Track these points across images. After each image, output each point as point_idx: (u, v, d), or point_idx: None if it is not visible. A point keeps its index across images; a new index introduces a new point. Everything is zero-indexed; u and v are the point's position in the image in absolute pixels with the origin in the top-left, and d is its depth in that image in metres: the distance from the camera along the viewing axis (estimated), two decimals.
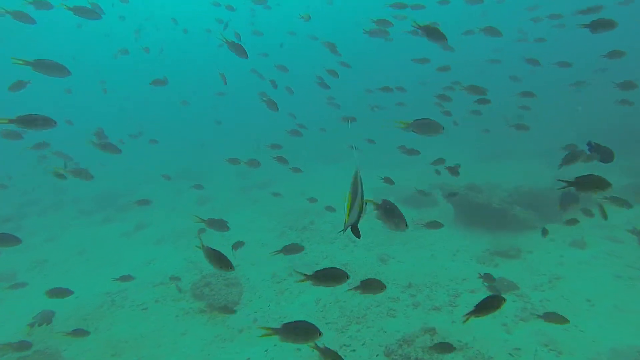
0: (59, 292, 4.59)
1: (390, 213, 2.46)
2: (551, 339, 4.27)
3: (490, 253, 6.59)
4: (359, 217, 1.91)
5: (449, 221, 8.21)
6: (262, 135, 17.96)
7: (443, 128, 3.47)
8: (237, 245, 5.75)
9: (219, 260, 2.91)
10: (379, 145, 9.35)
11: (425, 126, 3.41)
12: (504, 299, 2.74)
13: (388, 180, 6.60)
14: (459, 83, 6.69)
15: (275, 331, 2.46)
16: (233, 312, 5.23)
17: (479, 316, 2.72)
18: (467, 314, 2.70)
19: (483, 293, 5.34)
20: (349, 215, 1.90)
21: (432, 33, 4.06)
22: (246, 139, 20.51)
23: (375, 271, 6.19)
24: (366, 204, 1.92)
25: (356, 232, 1.98)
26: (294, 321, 2.55)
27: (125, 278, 5.46)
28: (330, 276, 2.71)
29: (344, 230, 1.94)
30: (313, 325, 2.54)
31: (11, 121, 3.23)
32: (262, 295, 6.01)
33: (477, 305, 2.71)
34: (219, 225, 4.75)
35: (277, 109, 6.04)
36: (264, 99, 5.98)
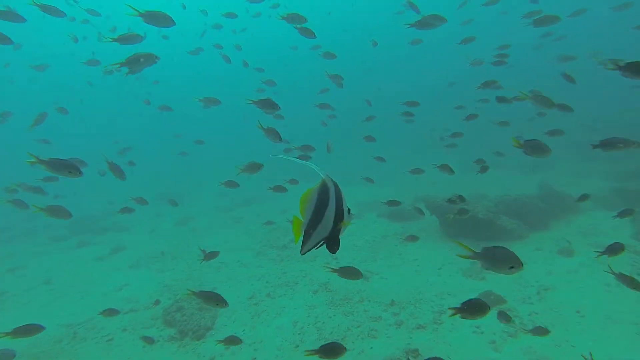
0: (26, 330, 3.65)
1: (498, 261, 2.27)
2: (541, 356, 3.99)
3: (477, 265, 6.33)
4: (335, 230, 1.62)
5: (434, 234, 7.98)
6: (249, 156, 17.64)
7: (551, 151, 3.53)
8: (210, 255, 5.41)
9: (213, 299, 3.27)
10: (358, 159, 9.16)
11: (535, 148, 3.51)
12: (488, 307, 2.57)
13: (394, 203, 6.21)
14: (494, 83, 6.31)
15: None
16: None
17: (464, 317, 2.56)
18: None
19: None
20: (305, 232, 1.60)
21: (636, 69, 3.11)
22: (231, 160, 20.19)
23: (357, 289, 5.87)
24: (349, 211, 1.64)
25: (333, 246, 1.67)
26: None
27: (111, 312, 4.96)
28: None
29: (304, 250, 1.62)
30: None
31: (41, 161, 3.21)
32: (237, 318, 5.62)
33: (463, 303, 2.55)
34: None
35: (280, 139, 5.31)
36: (262, 126, 5.30)
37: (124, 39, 4.58)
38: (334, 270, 3.79)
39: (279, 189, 6.45)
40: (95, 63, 10.58)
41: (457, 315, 2.58)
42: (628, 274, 5.17)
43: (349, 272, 3.86)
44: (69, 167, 3.25)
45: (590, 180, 10.19)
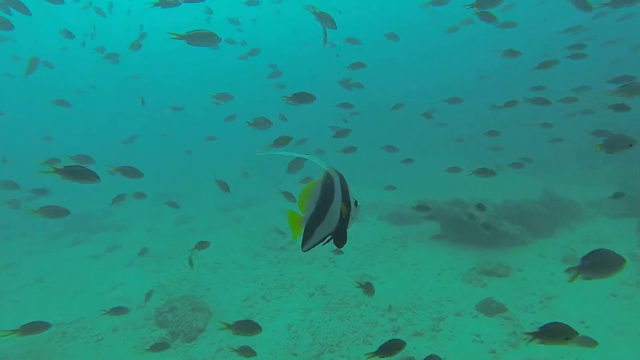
0: (30, 328, 3.51)
1: (606, 266, 2.21)
2: None
3: (477, 272, 6.18)
4: (343, 222, 1.50)
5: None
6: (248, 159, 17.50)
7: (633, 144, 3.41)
8: (200, 245, 5.33)
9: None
10: (364, 161, 9.01)
11: (615, 143, 3.45)
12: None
13: (423, 209, 6.02)
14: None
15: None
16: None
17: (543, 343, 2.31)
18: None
19: (468, 316, 4.91)
20: (307, 227, 1.48)
21: None
22: (231, 160, 20.07)
23: (354, 293, 5.72)
24: (356, 203, 1.52)
25: (340, 240, 1.55)
26: None
27: (118, 310, 4.78)
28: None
29: (307, 247, 1.51)
30: None
31: (57, 171, 3.18)
32: (230, 321, 5.47)
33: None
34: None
35: (270, 124, 5.21)
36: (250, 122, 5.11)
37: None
38: (361, 286, 4.24)
39: (288, 195, 6.31)
40: (102, 50, 10.53)
41: (535, 341, 2.32)
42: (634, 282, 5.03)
43: (369, 289, 4.21)
44: (86, 174, 3.20)
45: (594, 187, 10.00)
